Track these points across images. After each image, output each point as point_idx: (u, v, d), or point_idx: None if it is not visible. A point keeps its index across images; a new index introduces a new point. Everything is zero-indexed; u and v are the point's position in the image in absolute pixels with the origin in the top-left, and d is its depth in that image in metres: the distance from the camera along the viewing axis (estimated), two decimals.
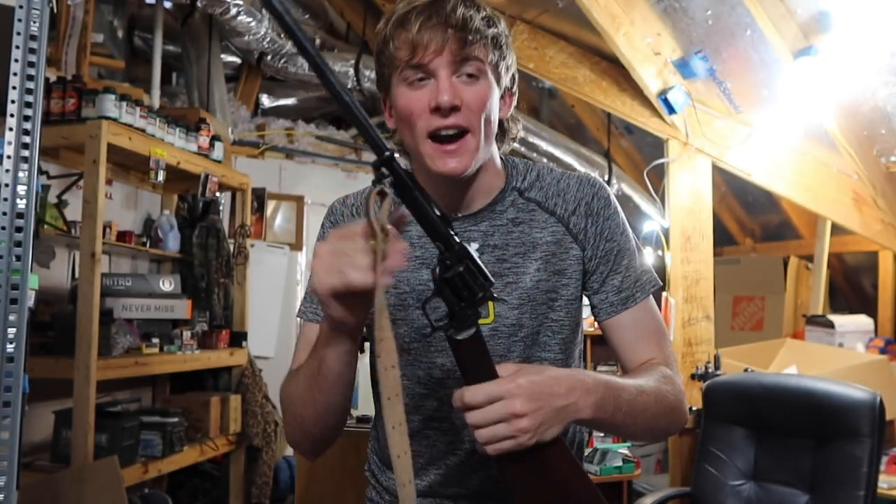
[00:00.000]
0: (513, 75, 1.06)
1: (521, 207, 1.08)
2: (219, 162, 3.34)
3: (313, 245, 0.97)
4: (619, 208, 1.11)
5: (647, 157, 4.64)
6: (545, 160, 4.58)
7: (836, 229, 3.96)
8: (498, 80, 1.01)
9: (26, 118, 1.32)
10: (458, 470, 1.07)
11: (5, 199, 1.29)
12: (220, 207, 3.70)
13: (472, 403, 0.83)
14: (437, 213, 0.84)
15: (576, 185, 1.09)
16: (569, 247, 1.07)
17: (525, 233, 1.06)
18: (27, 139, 1.32)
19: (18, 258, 1.30)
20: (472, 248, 1.04)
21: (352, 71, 4.26)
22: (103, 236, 2.61)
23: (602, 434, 3.11)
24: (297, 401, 0.99)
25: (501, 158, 1.12)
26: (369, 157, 4.79)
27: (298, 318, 1.14)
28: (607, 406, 0.90)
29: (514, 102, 1.09)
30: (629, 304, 1.06)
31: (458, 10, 0.95)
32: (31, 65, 1.32)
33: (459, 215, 1.07)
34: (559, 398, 0.85)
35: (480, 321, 1.02)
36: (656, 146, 3.47)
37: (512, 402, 0.82)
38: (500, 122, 1.07)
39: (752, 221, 5.13)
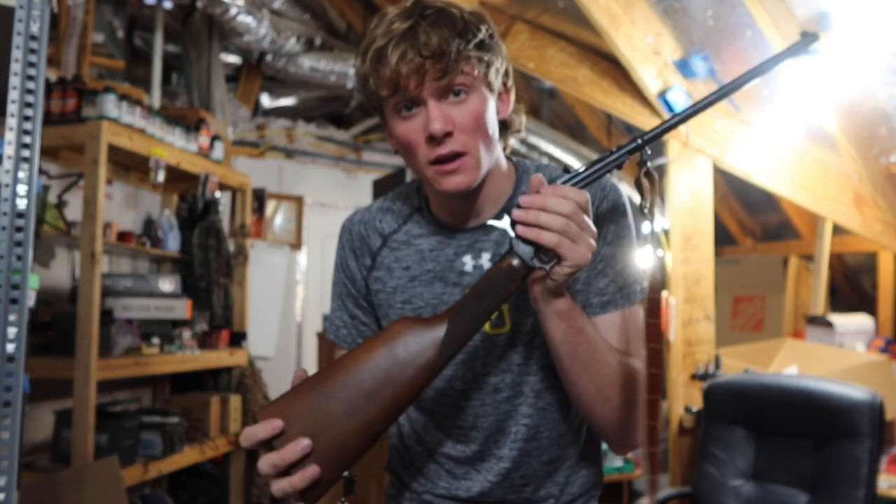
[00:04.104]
0: (506, 70, 1.04)
1: None
2: (219, 162, 3.34)
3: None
4: (628, 212, 1.09)
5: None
6: (545, 160, 4.57)
7: (837, 229, 3.96)
8: (490, 87, 0.99)
9: (26, 118, 1.32)
10: (463, 471, 1.08)
11: (5, 199, 1.29)
12: (220, 207, 3.70)
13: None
14: None
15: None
16: None
17: None
18: (27, 139, 1.32)
19: (19, 258, 1.30)
20: (485, 258, 1.05)
21: (352, 71, 4.26)
22: (103, 236, 2.60)
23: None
24: None
25: (512, 161, 1.11)
26: (369, 157, 4.79)
27: (327, 335, 1.12)
28: (576, 320, 0.93)
29: (513, 97, 1.07)
30: (608, 309, 1.05)
31: (433, 37, 0.91)
32: (32, 65, 1.32)
33: (470, 226, 1.06)
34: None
35: (497, 330, 1.04)
36: (656, 146, 3.45)
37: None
38: (503, 120, 1.06)
39: (752, 221, 5.13)
